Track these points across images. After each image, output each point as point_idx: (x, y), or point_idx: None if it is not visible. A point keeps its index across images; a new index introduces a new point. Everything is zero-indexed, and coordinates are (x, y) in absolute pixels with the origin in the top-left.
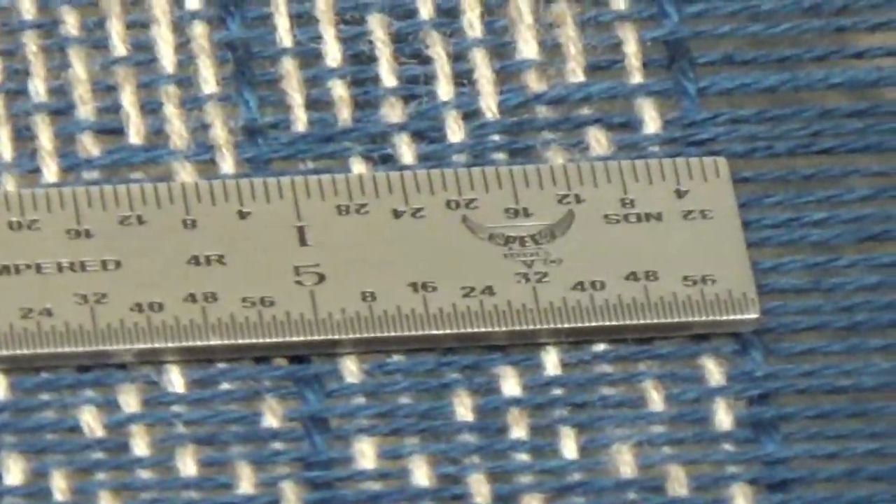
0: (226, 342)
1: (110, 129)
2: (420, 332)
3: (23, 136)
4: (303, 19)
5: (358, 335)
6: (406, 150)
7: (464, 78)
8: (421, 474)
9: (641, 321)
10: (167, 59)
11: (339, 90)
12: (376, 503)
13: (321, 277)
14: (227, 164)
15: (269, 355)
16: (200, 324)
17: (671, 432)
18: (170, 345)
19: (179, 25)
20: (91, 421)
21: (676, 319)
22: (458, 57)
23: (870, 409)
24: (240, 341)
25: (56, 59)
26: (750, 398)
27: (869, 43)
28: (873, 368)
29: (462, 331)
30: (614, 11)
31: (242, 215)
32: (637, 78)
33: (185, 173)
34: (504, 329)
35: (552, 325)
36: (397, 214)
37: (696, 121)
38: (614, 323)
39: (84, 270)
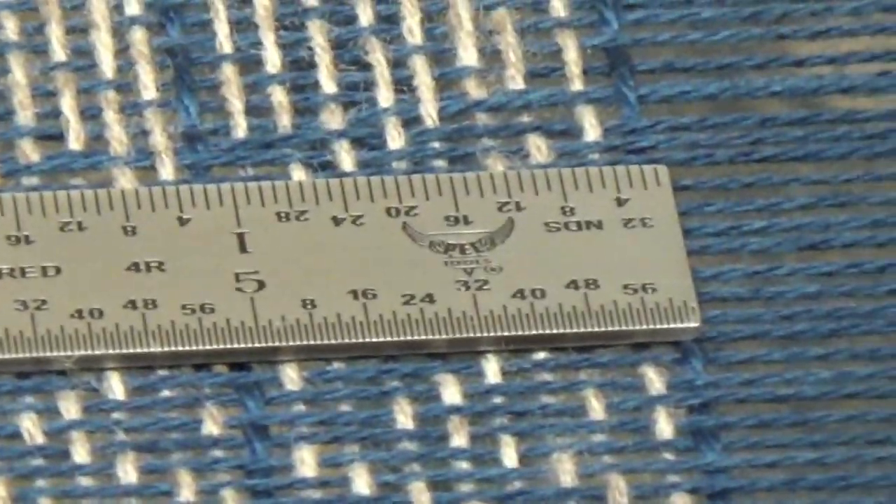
0: (166, 349)
1: (50, 135)
2: (360, 340)
3: None
4: (242, 25)
5: (298, 342)
6: (346, 157)
7: (404, 85)
8: (362, 482)
9: (582, 329)
10: (107, 65)
11: (278, 96)
12: None
13: (261, 284)
14: (166, 171)
15: (210, 362)
16: (140, 331)
17: (612, 441)
18: (110, 352)
19: (119, 31)
20: (31, 428)
21: (617, 328)
22: (398, 63)
23: (810, 418)
24: (180, 348)
25: None
26: (690, 407)
27: (809, 51)
28: (814, 377)
29: (402, 338)
30: (554, 18)
31: (182, 222)
32: (577, 85)
33: (125, 179)
34: (444, 337)
35: (493, 334)
36: (337, 222)
37: (636, 128)
38: (555, 331)
39: (24, 277)
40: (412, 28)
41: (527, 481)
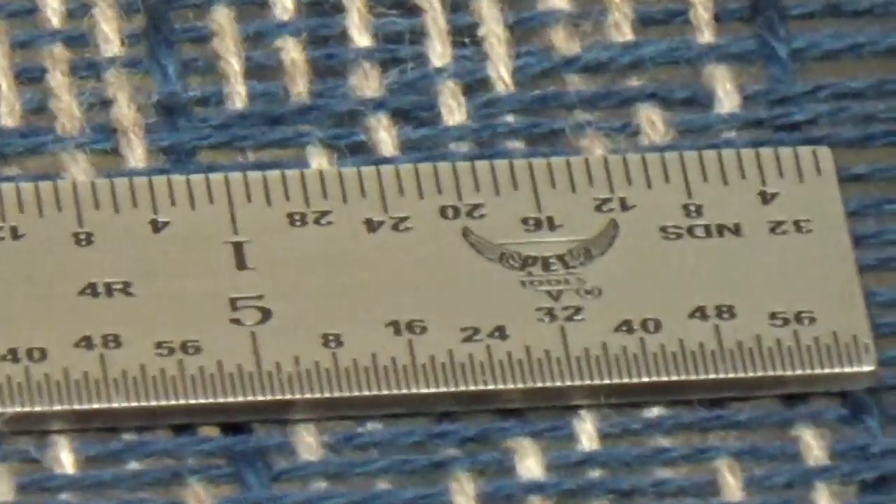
0: (134, 404)
1: None
2: (404, 391)
3: None
4: None
5: (317, 395)
6: (385, 137)
7: (465, 35)
8: None
9: (712, 375)
10: (52, 8)
11: (291, 52)
12: None
13: (266, 314)
14: (135, 156)
15: (195, 422)
16: (98, 378)
17: None
18: (56, 408)
19: None
20: None
21: (761, 373)
22: (458, 5)
23: None
24: (153, 403)
25: None
26: (863, 482)
27: None
28: None
29: (462, 388)
30: None
31: (157, 227)
32: (706, 36)
33: (78, 168)
34: (521, 386)
35: (588, 381)
36: (372, 226)
37: (788, 96)
38: (674, 378)
39: None
40: None
41: None
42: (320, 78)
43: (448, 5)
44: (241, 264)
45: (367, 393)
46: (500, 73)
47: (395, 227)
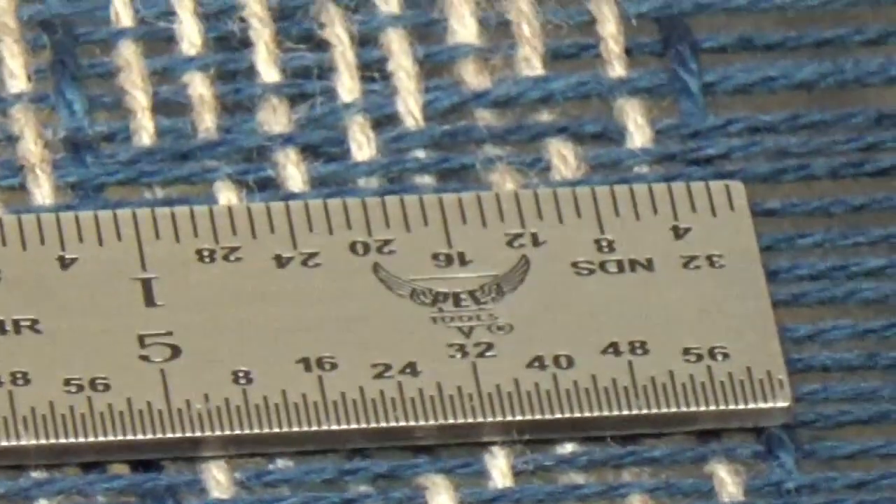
0: (43, 442)
1: None
2: (315, 428)
3: None
4: None
5: (228, 432)
6: (294, 172)
7: (374, 70)
8: None
9: (625, 411)
10: None
11: (199, 87)
12: None
13: (175, 351)
14: (42, 192)
15: (104, 460)
16: (7, 415)
17: None
18: None
19: None
20: None
21: (675, 409)
22: (366, 40)
23: None
24: (62, 440)
25: None
26: None
27: None
28: None
29: (374, 425)
30: None
31: (65, 264)
32: (618, 70)
33: None
34: (433, 423)
35: (500, 418)
36: (282, 262)
37: (700, 130)
38: (587, 414)
39: None
40: None
41: None
42: (228, 113)
43: (357, 40)
44: (149, 301)
45: (277, 430)
46: (410, 107)
47: (305, 263)
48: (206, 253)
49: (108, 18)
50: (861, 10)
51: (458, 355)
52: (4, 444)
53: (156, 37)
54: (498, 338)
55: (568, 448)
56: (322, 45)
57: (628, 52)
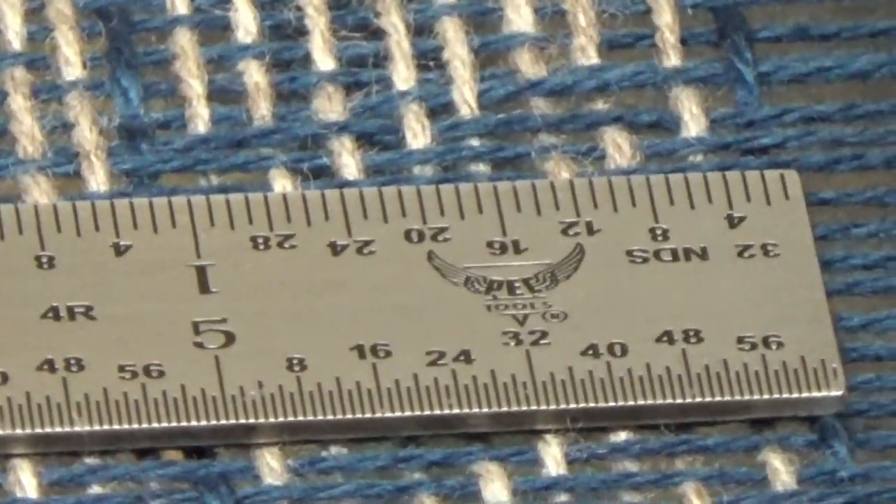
0: (97, 428)
1: None
2: (369, 415)
3: None
4: None
5: (281, 419)
6: (349, 161)
7: (430, 59)
8: None
9: (679, 400)
10: (13, 31)
11: (254, 75)
12: None
13: (230, 338)
14: (97, 179)
15: (158, 447)
16: (61, 402)
17: None
18: (18, 431)
19: None
20: None
21: (728, 398)
22: (422, 29)
23: None
24: (116, 427)
25: None
26: None
27: None
28: None
29: (427, 413)
30: None
31: (119, 251)
32: (672, 59)
33: (39, 191)
34: (486, 410)
35: (554, 406)
36: (336, 250)
37: (755, 120)
38: (641, 402)
39: None
40: None
41: None
42: (283, 101)
43: (412, 29)
44: (204, 288)
45: (331, 417)
46: (465, 96)
47: (360, 251)
48: (260, 240)
49: (164, 6)
50: None
51: (512, 343)
52: (59, 430)
53: (211, 25)
54: (552, 326)
55: (621, 436)
56: (377, 34)
57: (683, 41)
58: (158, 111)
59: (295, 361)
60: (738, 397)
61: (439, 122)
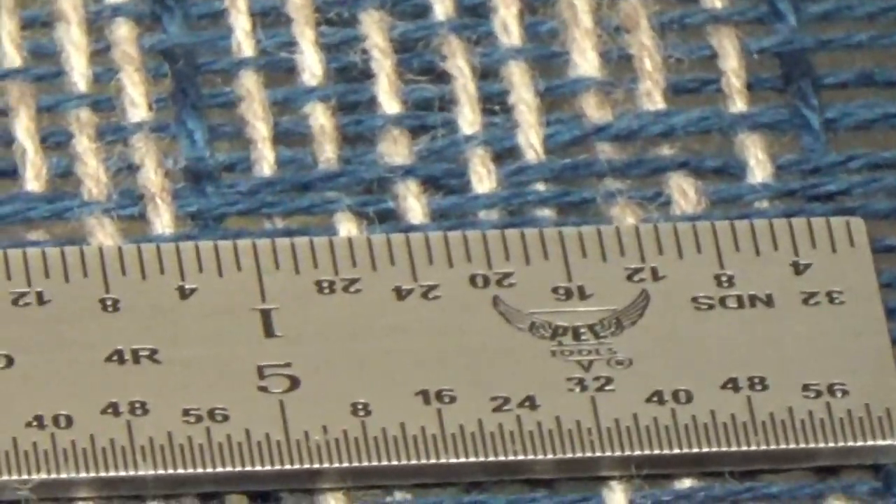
0: (160, 472)
1: None
2: (433, 461)
3: None
4: (270, 18)
5: (346, 464)
6: (414, 204)
7: (495, 103)
8: None
9: (744, 447)
10: (78, 72)
11: (320, 118)
12: None
13: (294, 382)
14: (162, 222)
15: (222, 491)
16: (125, 445)
17: None
18: (82, 475)
19: (96, 24)
20: None
21: (793, 446)
22: (488, 73)
23: None
24: (180, 471)
25: None
26: None
27: None
28: None
29: (492, 458)
30: (707, 11)
31: (184, 294)
32: (738, 105)
33: (104, 234)
34: (551, 457)
35: (618, 452)
36: (401, 294)
37: (821, 166)
38: (706, 450)
39: None
40: (507, 23)
41: None
42: (349, 144)
43: (478, 72)
44: (268, 332)
45: (395, 462)
46: (531, 140)
47: (425, 296)
48: (325, 284)
49: (230, 48)
50: None
51: (577, 389)
52: (122, 473)
53: (277, 67)
54: (617, 372)
55: (686, 483)
56: (443, 77)
57: (749, 87)
58: (224, 153)
59: (360, 406)
60: (802, 445)
61: (505, 166)
